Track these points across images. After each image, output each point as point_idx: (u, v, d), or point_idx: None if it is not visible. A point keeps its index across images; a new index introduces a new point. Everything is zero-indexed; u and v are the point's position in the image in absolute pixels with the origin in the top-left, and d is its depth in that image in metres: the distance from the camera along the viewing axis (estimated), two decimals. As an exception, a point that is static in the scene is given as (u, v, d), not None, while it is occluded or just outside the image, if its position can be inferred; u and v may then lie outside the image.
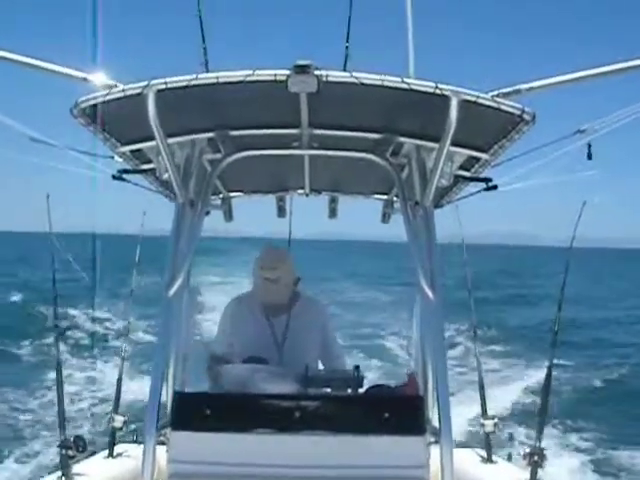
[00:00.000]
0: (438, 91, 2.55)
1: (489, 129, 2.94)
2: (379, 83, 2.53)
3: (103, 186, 3.60)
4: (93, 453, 4.23)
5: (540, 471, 3.83)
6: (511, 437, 4.54)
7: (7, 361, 14.52)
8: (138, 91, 2.61)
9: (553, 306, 4.04)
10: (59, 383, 3.98)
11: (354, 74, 2.53)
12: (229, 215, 4.48)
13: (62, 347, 4.32)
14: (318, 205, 4.66)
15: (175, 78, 2.57)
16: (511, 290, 34.92)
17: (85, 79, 2.88)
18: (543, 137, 3.15)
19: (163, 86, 2.57)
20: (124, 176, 3.40)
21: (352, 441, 2.92)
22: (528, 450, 3.91)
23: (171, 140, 2.99)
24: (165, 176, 3.09)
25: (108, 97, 2.70)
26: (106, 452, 4.26)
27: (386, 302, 25.10)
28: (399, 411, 2.99)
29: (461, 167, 3.32)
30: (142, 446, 2.85)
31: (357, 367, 3.42)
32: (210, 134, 3.15)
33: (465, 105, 2.60)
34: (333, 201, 4.62)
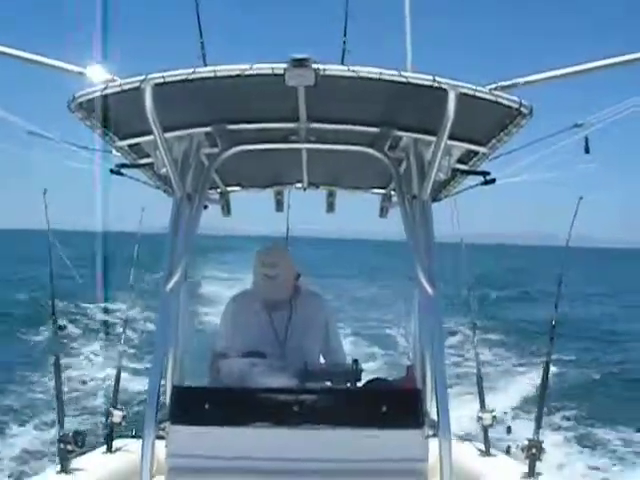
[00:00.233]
0: (436, 84, 2.54)
1: (487, 122, 2.93)
2: (377, 76, 2.52)
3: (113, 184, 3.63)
4: (92, 447, 4.24)
5: (538, 464, 3.85)
6: (509, 430, 4.54)
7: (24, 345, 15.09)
8: (136, 85, 2.60)
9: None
10: (57, 379, 3.98)
11: (352, 68, 2.52)
12: (227, 209, 4.47)
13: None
14: (317, 205, 4.69)
15: (172, 72, 2.55)
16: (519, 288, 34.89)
17: (82, 73, 2.87)
18: (540, 131, 3.16)
19: (160, 80, 2.56)
20: (122, 170, 3.39)
21: (350, 434, 2.92)
22: (526, 443, 3.93)
23: (169, 134, 2.98)
24: (163, 170, 3.08)
25: (105, 91, 2.69)
26: (105, 447, 4.27)
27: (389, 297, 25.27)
28: (397, 404, 3.00)
29: (459, 160, 3.31)
30: (141, 440, 2.85)
31: (356, 361, 3.42)
32: (208, 128, 3.13)
33: (463, 98, 2.59)
34: (331, 195, 4.61)
